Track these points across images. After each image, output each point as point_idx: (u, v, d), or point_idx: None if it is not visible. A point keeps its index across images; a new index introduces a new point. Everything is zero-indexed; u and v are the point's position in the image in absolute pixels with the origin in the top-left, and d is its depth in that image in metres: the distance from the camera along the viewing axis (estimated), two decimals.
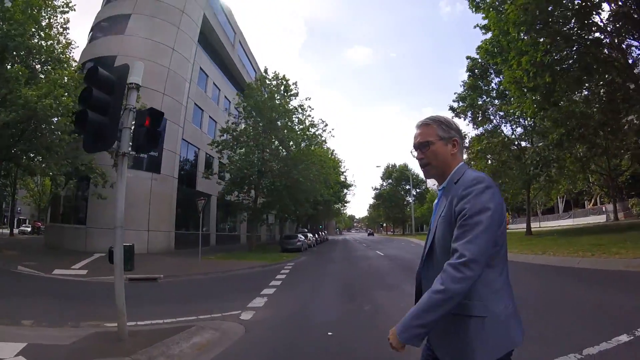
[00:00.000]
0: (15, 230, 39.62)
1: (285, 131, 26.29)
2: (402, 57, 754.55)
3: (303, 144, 27.67)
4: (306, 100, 29.17)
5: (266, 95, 25.93)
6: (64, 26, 18.03)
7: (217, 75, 32.24)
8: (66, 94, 14.96)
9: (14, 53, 15.49)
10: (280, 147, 27.10)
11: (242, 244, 33.98)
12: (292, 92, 26.82)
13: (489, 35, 19.95)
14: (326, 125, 28.50)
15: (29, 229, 46.95)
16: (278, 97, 26.21)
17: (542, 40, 15.65)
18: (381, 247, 30.32)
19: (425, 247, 1.68)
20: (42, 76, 16.56)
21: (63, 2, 17.92)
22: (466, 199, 1.46)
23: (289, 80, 26.73)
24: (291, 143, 27.04)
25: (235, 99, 34.53)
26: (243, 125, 26.82)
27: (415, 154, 1.75)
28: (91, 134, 4.70)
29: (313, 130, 27.95)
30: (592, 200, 42.58)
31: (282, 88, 26.73)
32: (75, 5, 18.20)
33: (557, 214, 47.52)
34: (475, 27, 20.08)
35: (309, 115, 27.77)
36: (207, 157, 29.51)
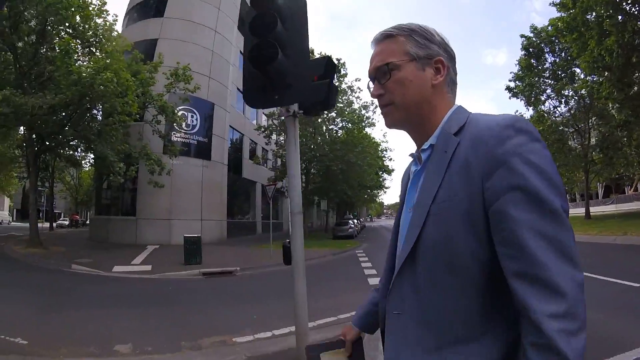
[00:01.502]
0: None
1: (335, 114, 25.08)
2: None
3: (352, 127, 26.48)
4: (356, 81, 27.53)
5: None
6: (102, 9, 16.80)
7: None
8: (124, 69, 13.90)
9: (59, 27, 14.55)
10: (333, 130, 26.00)
11: (284, 231, 33.12)
12: (341, 74, 25.35)
13: (542, 21, 20.00)
14: (376, 107, 27.11)
15: (67, 223, 47.01)
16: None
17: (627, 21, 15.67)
18: None
19: (393, 257, 1.00)
20: (96, 50, 15.56)
21: None
22: (515, 163, 0.75)
23: (340, 59, 25.18)
24: (340, 126, 25.86)
25: None
26: None
27: (371, 87, 1.00)
28: (267, 81, 3.26)
29: (364, 112, 26.66)
30: (633, 186, 42.18)
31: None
32: None
33: (597, 200, 45.90)
34: (550, 4, 20.35)
35: (359, 97, 26.47)
36: (250, 143, 28.52)
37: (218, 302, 7.62)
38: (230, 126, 24.49)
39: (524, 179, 0.75)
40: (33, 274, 10.28)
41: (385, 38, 1.00)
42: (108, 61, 13.45)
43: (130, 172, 16.70)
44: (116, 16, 16.62)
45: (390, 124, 1.02)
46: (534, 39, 25.10)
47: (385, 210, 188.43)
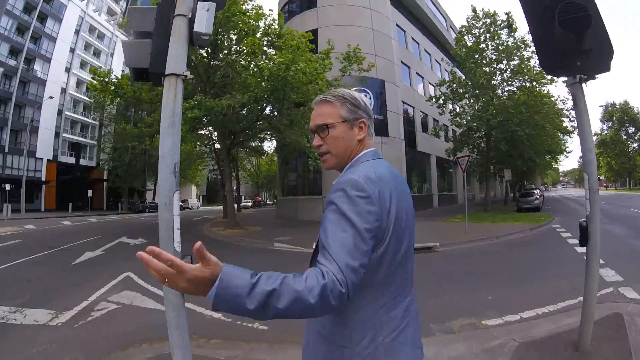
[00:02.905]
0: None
1: (508, 72, 22.20)
2: None
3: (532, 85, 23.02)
4: (528, 33, 23.72)
5: (482, 38, 22.61)
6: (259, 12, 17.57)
7: (413, 30, 29.97)
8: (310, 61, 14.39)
9: (229, 35, 15.94)
10: (510, 90, 23.24)
11: (459, 204, 31.24)
12: (507, 26, 22.31)
13: None
14: None
15: (250, 204, 54.13)
16: (490, 37, 22.40)
17: None
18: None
19: None
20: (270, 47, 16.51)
21: None
22: (328, 208, 1.19)
23: (509, 14, 22.26)
24: (517, 85, 22.81)
25: (433, 51, 31.80)
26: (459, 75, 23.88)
27: (313, 138, 1.39)
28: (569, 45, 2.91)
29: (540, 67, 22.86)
30: None
31: (494, 26, 22.59)
32: None
33: None
34: None
35: (534, 52, 22.65)
36: (422, 116, 27.55)
37: (437, 280, 7.10)
38: (402, 101, 23.85)
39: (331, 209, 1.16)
40: (246, 253, 11.28)
41: (325, 103, 1.36)
42: (292, 55, 13.99)
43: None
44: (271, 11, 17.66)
45: (327, 167, 1.40)
46: None
47: (562, 178, 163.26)
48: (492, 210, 23.41)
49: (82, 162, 45.33)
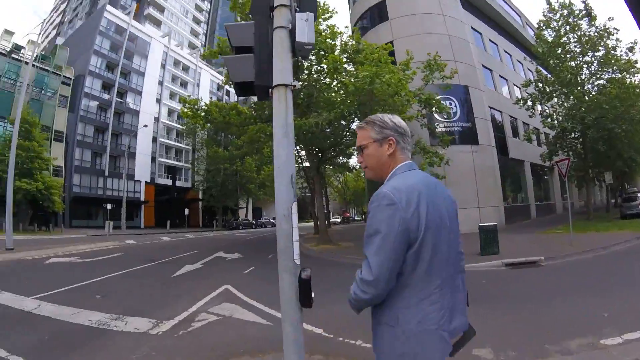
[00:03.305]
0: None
1: (595, 64, 20.67)
2: None
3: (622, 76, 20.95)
4: (609, 20, 21.58)
5: (562, 31, 21.02)
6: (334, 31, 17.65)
7: (489, 31, 28.67)
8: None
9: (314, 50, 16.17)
10: (600, 84, 21.32)
11: (557, 213, 29.02)
12: (587, 15, 20.60)
13: None
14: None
15: (339, 220, 54.37)
16: (570, 28, 20.76)
17: None
18: None
19: None
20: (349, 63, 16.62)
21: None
22: (368, 216, 1.54)
23: (586, 2, 20.53)
24: (606, 77, 20.84)
25: (513, 51, 30.30)
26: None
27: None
28: None
29: (630, 55, 20.66)
30: None
31: (573, 16, 20.90)
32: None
33: None
34: None
35: (618, 39, 20.45)
36: (511, 120, 26.18)
37: (546, 296, 6.66)
38: (489, 106, 22.99)
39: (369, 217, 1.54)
40: (343, 269, 11.08)
41: (360, 128, 1.74)
42: (375, 68, 13.99)
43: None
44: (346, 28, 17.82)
45: (368, 178, 1.87)
46: None
47: None
48: (594, 218, 21.52)
49: (178, 183, 49.63)
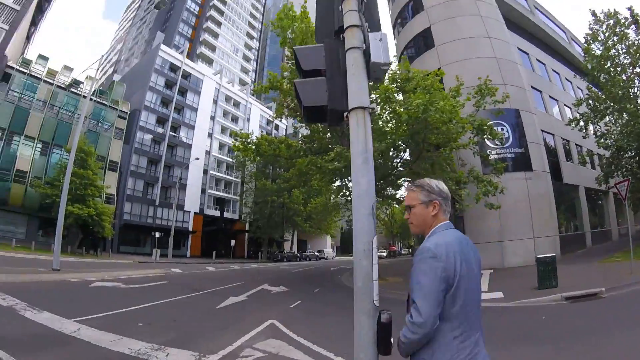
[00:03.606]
0: None
1: None
2: None
3: None
4: None
5: (609, 43, 20.11)
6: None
7: (535, 50, 27.81)
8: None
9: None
10: None
11: (614, 240, 26.91)
12: (634, 22, 19.59)
13: None
14: None
15: (384, 254, 52.96)
16: (618, 39, 19.78)
17: None
18: None
19: None
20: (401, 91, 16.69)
21: None
22: (414, 268, 1.82)
23: (631, 8, 19.50)
24: None
25: (561, 69, 29.21)
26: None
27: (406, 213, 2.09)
28: None
29: None
30: None
31: (620, 25, 19.94)
32: None
33: None
34: None
35: None
36: (563, 142, 24.99)
37: (608, 331, 6.37)
38: (541, 129, 22.04)
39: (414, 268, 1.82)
40: (395, 305, 10.75)
41: (410, 190, 2.06)
42: (428, 95, 13.83)
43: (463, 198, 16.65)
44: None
45: (412, 232, 2.13)
46: None
47: None
48: None
49: (225, 214, 50.87)
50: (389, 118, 15.87)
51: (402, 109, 14.12)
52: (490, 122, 16.40)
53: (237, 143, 19.81)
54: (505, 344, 5.61)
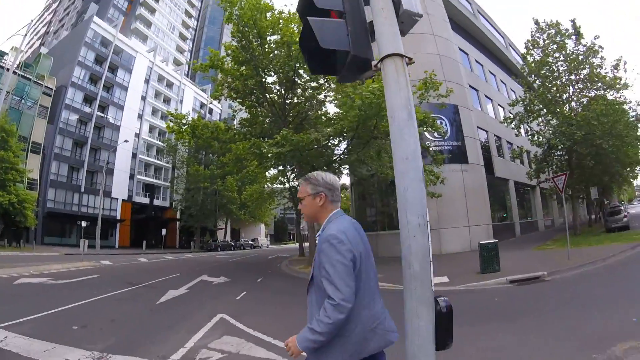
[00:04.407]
0: None
1: (580, 84, 21.24)
2: None
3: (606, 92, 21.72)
4: (595, 39, 22.22)
5: (548, 50, 21.66)
6: None
7: (475, 52, 29.30)
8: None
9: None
10: (585, 102, 21.87)
11: (540, 231, 29.37)
12: (575, 33, 21.26)
13: None
14: (626, 64, 21.40)
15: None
16: (557, 48, 21.42)
17: None
18: None
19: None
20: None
21: None
22: (322, 254, 1.90)
23: (574, 20, 21.22)
24: (591, 95, 21.57)
25: (497, 71, 31.06)
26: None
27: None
28: None
29: (615, 72, 21.39)
30: None
31: (560, 35, 21.53)
32: None
33: None
34: None
35: (603, 58, 21.13)
36: (495, 139, 26.58)
37: (568, 309, 6.81)
38: (477, 126, 23.21)
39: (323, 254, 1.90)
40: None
41: (300, 183, 2.18)
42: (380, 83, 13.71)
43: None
44: None
45: (305, 221, 2.66)
46: None
47: (638, 193, 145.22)
48: (581, 233, 21.90)
49: (156, 202, 47.90)
50: (340, 104, 15.61)
51: (357, 93, 13.81)
52: (433, 115, 16.78)
53: (171, 124, 18.48)
54: (467, 322, 5.56)
